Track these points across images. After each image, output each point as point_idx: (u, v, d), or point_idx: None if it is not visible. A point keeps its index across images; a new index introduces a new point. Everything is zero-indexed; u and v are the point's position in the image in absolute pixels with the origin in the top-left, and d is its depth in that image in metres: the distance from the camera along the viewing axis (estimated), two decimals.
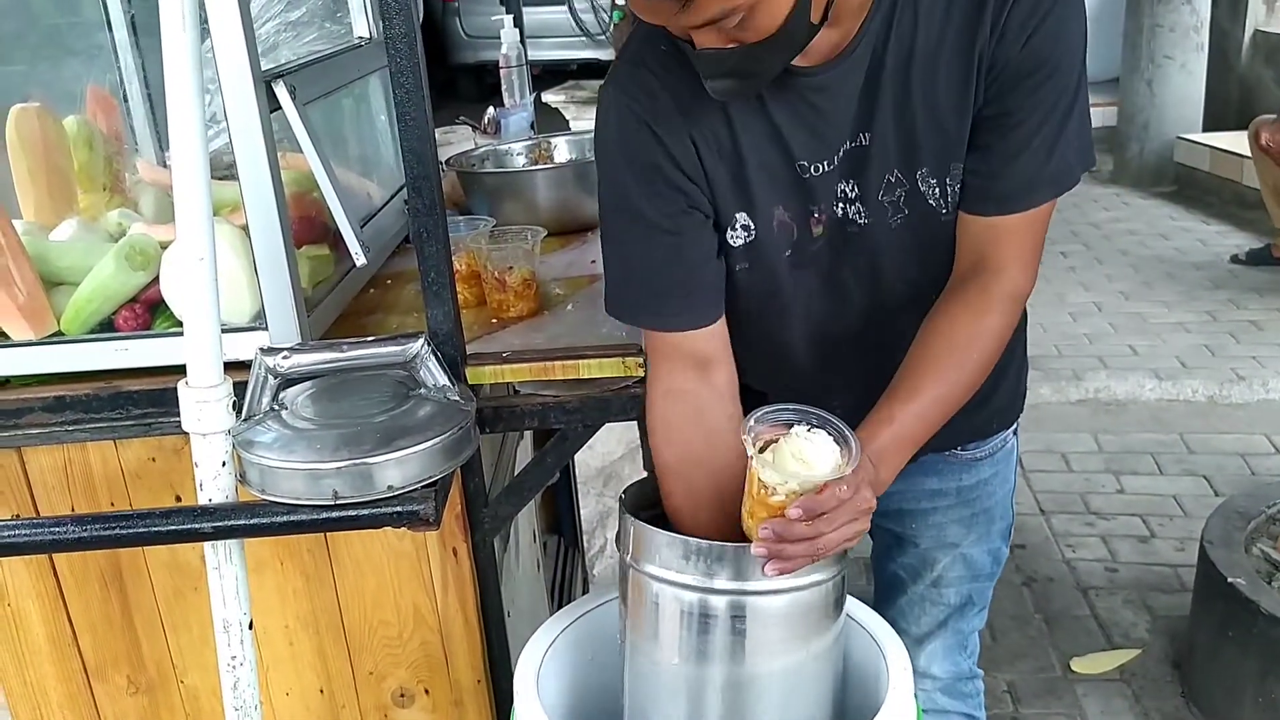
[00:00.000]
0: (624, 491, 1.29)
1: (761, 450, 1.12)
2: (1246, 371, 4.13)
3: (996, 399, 1.46)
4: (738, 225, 1.28)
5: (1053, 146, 1.19)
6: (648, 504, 1.30)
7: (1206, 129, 6.79)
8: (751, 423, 1.13)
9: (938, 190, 1.23)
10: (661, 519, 1.27)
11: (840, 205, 1.27)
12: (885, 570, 1.64)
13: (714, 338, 1.31)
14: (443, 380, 1.32)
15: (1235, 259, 5.36)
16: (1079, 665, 2.64)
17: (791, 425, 1.13)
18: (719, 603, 1.16)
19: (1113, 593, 2.92)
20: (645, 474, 1.37)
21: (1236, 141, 5.52)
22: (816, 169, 1.24)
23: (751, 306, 1.35)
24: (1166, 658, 2.65)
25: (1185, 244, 5.73)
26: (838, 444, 1.11)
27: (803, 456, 1.10)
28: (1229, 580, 2.30)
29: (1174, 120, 6.76)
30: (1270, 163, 4.97)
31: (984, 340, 1.23)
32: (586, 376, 1.46)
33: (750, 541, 1.13)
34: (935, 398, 1.21)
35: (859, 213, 1.26)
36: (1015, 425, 1.56)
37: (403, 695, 1.56)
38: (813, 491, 1.08)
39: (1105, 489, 3.45)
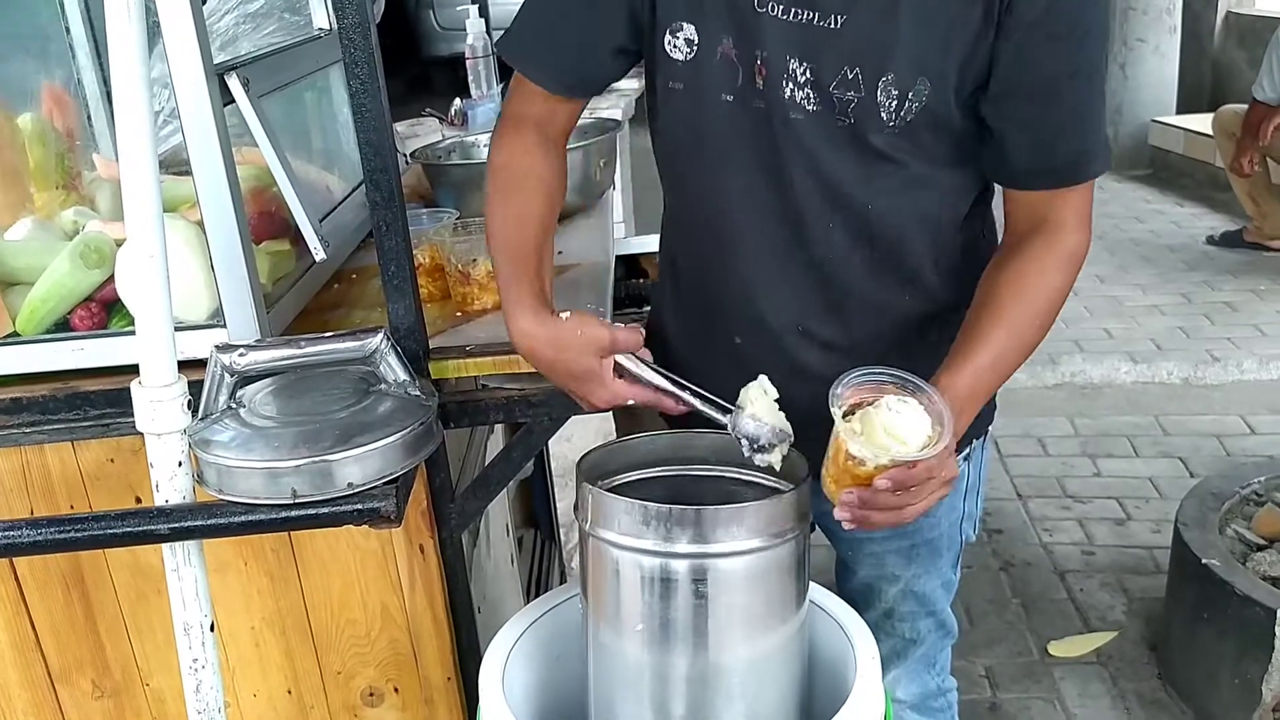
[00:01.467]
0: (581, 458, 1.27)
1: (847, 415, 1.11)
2: (1221, 353, 4.15)
3: None
4: (680, 36, 1.24)
5: (1100, 113, 1.22)
6: (606, 472, 1.29)
7: (1180, 111, 6.82)
8: (839, 389, 1.12)
9: (895, 103, 1.18)
10: (620, 488, 1.27)
11: (788, 85, 1.21)
12: (841, 593, 1.59)
13: (570, 118, 1.37)
14: (403, 375, 1.30)
15: (1210, 241, 5.38)
16: (1056, 649, 2.65)
17: (879, 387, 1.12)
18: (680, 566, 1.15)
19: (1089, 576, 2.93)
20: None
21: (1210, 124, 5.54)
22: (774, 9, 1.19)
23: (683, 149, 1.32)
24: (1143, 640, 2.66)
25: (1160, 227, 5.75)
26: (928, 413, 1.10)
27: (893, 431, 1.09)
28: (1203, 562, 2.30)
29: (1148, 103, 6.79)
30: (1238, 173, 5.01)
31: (1050, 296, 1.24)
32: None
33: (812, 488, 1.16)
34: (1008, 349, 1.21)
35: (808, 98, 1.21)
36: (966, 451, 1.46)
37: (372, 694, 1.55)
38: (905, 465, 1.07)
39: (1081, 472, 3.46)
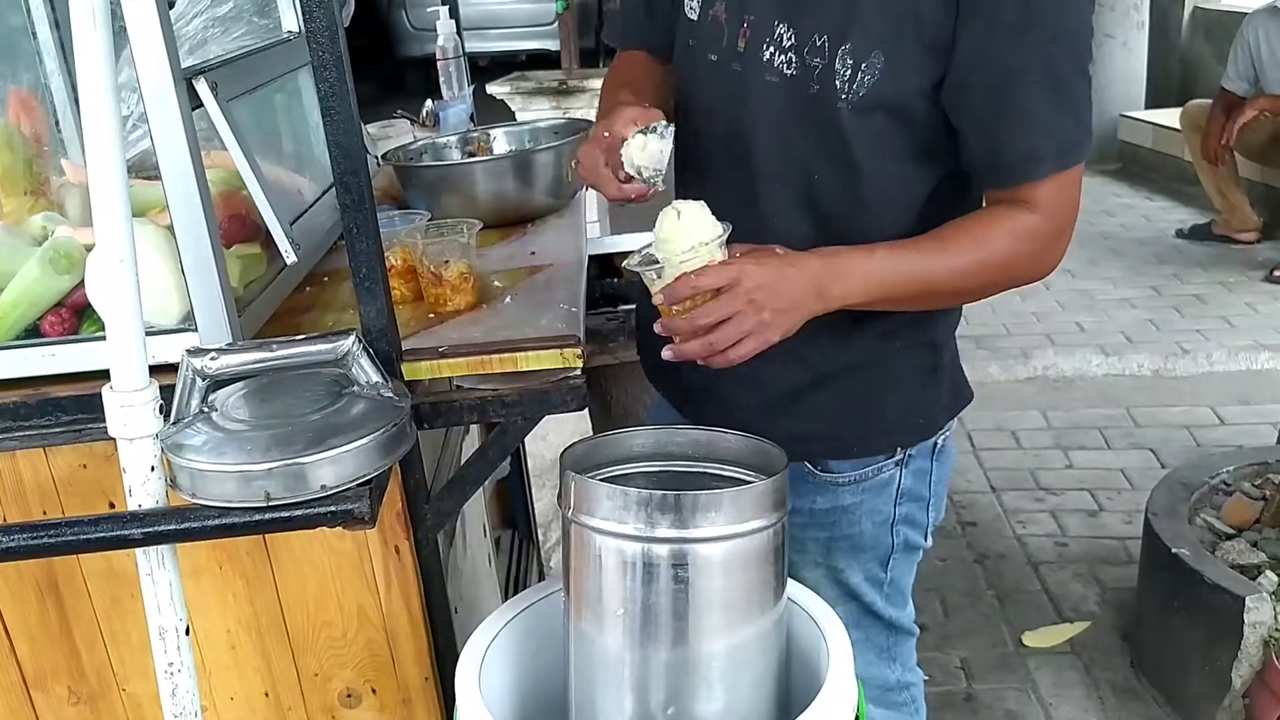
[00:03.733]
0: (564, 450, 1.30)
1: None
2: (1190, 345, 4.20)
3: (859, 418, 1.44)
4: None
5: (1059, 116, 1.23)
6: (589, 465, 1.33)
7: (1148, 106, 6.88)
8: (638, 255, 1.26)
9: (849, 73, 1.24)
10: (604, 480, 1.29)
11: (769, 48, 1.30)
12: None
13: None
14: (376, 377, 1.30)
15: (1179, 234, 5.44)
16: (1030, 639, 2.68)
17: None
18: (661, 550, 1.18)
19: (1062, 567, 2.96)
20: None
21: (1179, 118, 5.59)
22: None
23: (681, 106, 1.47)
24: (1116, 629, 2.69)
25: (1130, 220, 5.81)
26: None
27: (669, 233, 1.21)
28: (1174, 551, 2.33)
29: (1117, 98, 6.84)
30: (1208, 159, 5.07)
31: (985, 245, 1.26)
32: (525, 369, 1.46)
33: None
34: (918, 260, 1.26)
35: (788, 62, 1.28)
36: (903, 456, 1.47)
37: (349, 695, 1.55)
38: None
39: (1054, 465, 3.50)
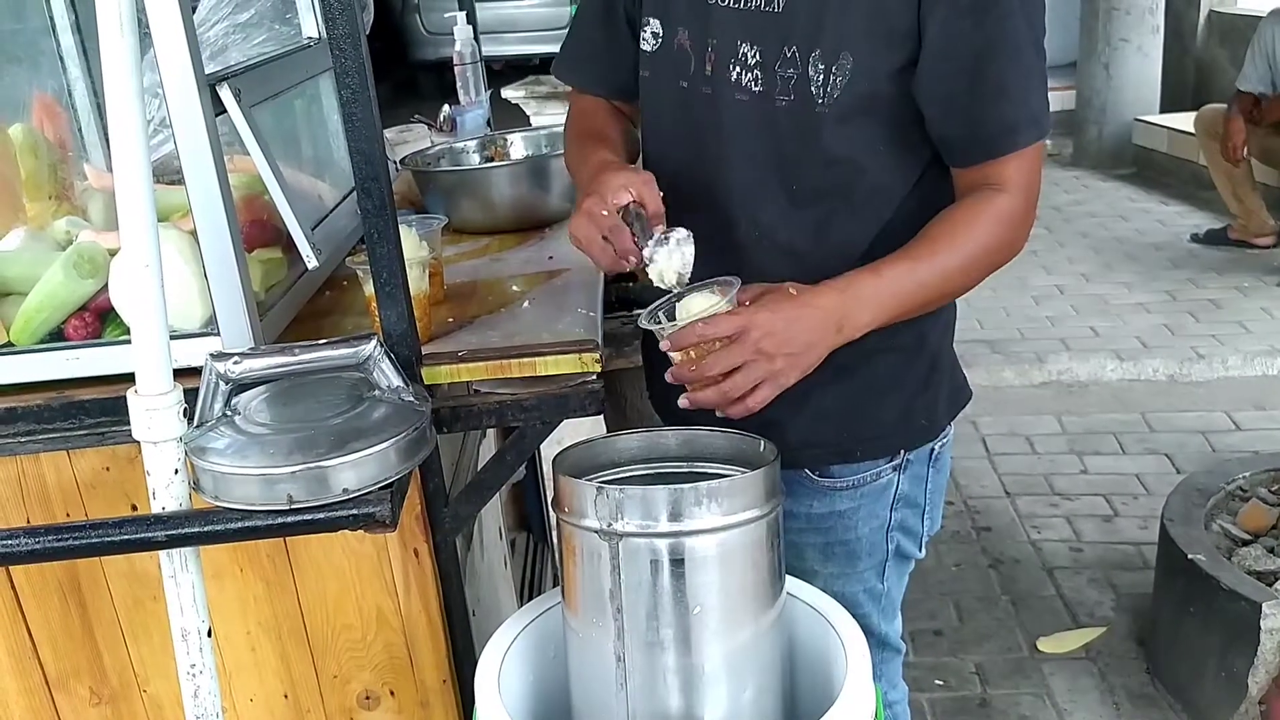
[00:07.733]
0: (557, 456, 1.31)
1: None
2: (1206, 350, 4.19)
3: (859, 421, 1.43)
4: (649, 30, 1.42)
5: (1029, 86, 1.27)
6: (581, 470, 1.32)
7: (1164, 110, 6.86)
8: (647, 311, 1.29)
9: (823, 78, 1.27)
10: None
11: (735, 68, 1.33)
12: None
13: (629, 114, 1.53)
14: (397, 381, 1.31)
15: (1194, 239, 5.42)
16: (1045, 645, 2.68)
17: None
18: (660, 545, 1.18)
19: (1078, 572, 2.96)
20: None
21: (1193, 122, 5.58)
22: (725, 1, 1.33)
23: (649, 130, 1.50)
24: (1131, 635, 2.68)
25: (1144, 225, 5.79)
26: (720, 294, 1.24)
27: (687, 308, 1.26)
28: (1190, 557, 2.33)
29: (1131, 102, 6.83)
30: (1224, 159, 5.06)
31: (973, 238, 1.29)
32: (544, 374, 1.46)
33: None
34: (919, 269, 1.27)
35: (755, 79, 1.32)
36: (901, 460, 1.47)
37: (368, 698, 1.56)
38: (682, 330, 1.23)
39: (1069, 470, 3.49)
